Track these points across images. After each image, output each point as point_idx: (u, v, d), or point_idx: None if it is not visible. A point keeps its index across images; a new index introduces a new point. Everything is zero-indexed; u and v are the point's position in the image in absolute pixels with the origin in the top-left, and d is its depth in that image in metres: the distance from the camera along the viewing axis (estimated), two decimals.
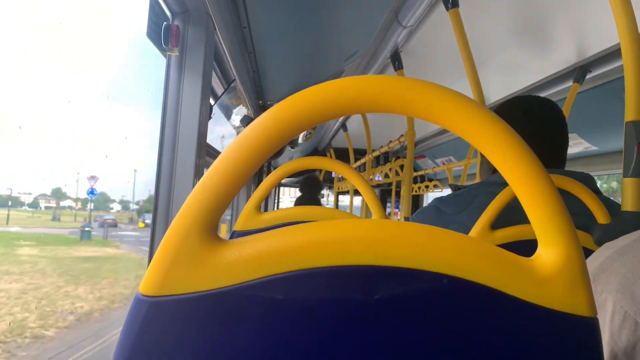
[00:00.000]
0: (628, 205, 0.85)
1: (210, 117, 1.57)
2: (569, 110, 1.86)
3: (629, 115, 0.85)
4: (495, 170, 1.15)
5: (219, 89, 2.13)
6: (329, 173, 6.01)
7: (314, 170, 5.11)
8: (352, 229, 0.31)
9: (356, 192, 4.76)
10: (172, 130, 1.34)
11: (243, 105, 2.49)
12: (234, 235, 1.02)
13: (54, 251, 2.44)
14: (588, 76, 1.87)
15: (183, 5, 1.33)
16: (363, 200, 5.11)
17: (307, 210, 1.04)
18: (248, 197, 2.03)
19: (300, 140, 3.99)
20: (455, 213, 1.08)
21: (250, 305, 0.29)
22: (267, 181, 1.01)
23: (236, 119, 2.81)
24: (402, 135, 2.96)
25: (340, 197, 6.88)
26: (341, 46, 2.11)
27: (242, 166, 0.30)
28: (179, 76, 1.35)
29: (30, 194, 2.13)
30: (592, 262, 0.55)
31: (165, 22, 1.30)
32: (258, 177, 3.84)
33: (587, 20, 1.59)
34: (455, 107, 0.30)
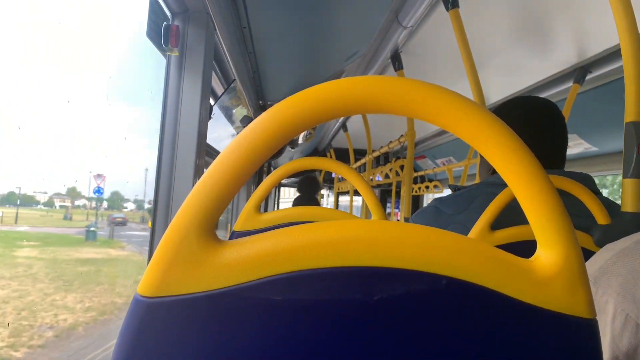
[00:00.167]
0: (628, 206, 0.84)
1: (210, 117, 1.57)
2: (569, 111, 1.86)
3: (629, 116, 0.85)
4: (494, 171, 1.15)
5: (219, 89, 2.13)
6: (329, 173, 6.01)
7: (314, 170, 5.11)
8: (351, 229, 0.31)
9: (356, 193, 4.76)
10: (172, 130, 1.34)
11: (243, 106, 2.49)
12: (234, 235, 1.02)
13: (54, 253, 2.30)
14: (588, 77, 1.87)
15: (183, 5, 1.33)
16: (363, 201, 5.10)
17: (307, 210, 1.04)
18: (248, 197, 2.03)
19: (300, 141, 3.99)
20: (455, 213, 1.08)
21: (250, 306, 0.29)
22: (267, 181, 1.01)
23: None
24: (402, 135, 2.96)
25: (341, 197, 6.88)
26: (341, 46, 2.11)
27: (241, 166, 0.30)
28: (179, 76, 1.35)
29: (45, 192, 2.12)
30: (592, 264, 0.54)
31: (165, 22, 1.30)
32: (258, 177, 3.84)
33: (587, 21, 1.59)
34: (454, 108, 0.30)
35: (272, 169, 5.26)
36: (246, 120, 2.71)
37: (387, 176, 4.14)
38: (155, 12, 1.24)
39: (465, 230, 0.98)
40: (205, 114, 1.45)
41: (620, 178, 0.89)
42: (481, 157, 1.30)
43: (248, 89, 2.39)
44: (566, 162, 1.10)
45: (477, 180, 1.22)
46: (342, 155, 5.24)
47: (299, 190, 4.11)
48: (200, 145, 1.37)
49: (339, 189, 5.91)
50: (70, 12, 1.12)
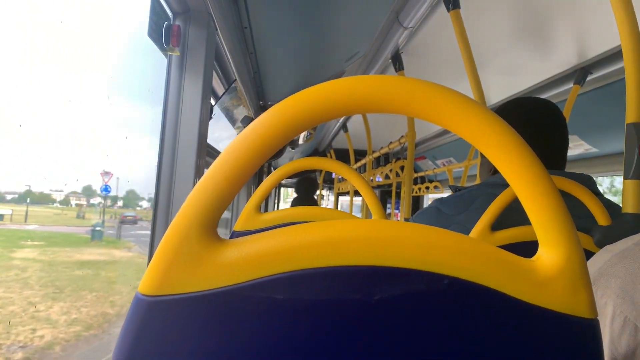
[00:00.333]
0: (629, 207, 0.84)
1: (210, 117, 1.57)
2: (569, 112, 1.86)
3: (630, 117, 0.85)
4: (495, 172, 1.15)
5: (219, 89, 2.13)
6: (329, 174, 6.01)
7: (314, 171, 5.11)
8: (352, 229, 0.31)
9: (356, 193, 4.76)
10: (172, 130, 1.34)
11: (243, 106, 2.48)
12: (234, 235, 1.02)
13: (55, 254, 2.17)
14: (589, 78, 1.87)
15: (184, 5, 1.33)
16: (363, 201, 5.10)
17: (307, 210, 1.04)
18: (248, 197, 2.03)
19: (300, 141, 3.99)
20: (456, 214, 1.08)
21: (250, 306, 0.29)
22: (267, 181, 1.01)
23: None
24: (402, 136, 2.96)
25: (341, 197, 6.88)
26: (342, 47, 2.11)
27: (242, 166, 0.30)
28: (180, 76, 1.35)
29: (61, 191, 2.11)
30: (591, 266, 0.54)
31: (166, 22, 1.30)
32: (258, 178, 3.84)
33: (588, 22, 1.59)
34: (456, 108, 0.30)
35: (272, 169, 5.26)
36: (246, 121, 2.71)
37: (387, 177, 4.14)
38: (156, 11, 1.24)
39: (465, 231, 0.98)
40: (206, 114, 1.45)
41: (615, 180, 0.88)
42: (482, 157, 1.30)
43: (249, 89, 2.39)
44: (567, 163, 1.10)
45: (477, 181, 1.22)
46: (342, 156, 5.24)
47: (296, 191, 4.10)
48: (200, 145, 1.37)
49: (339, 190, 5.91)
50: (71, 12, 1.12)
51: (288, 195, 9.41)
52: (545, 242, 0.31)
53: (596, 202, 0.88)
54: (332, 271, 0.30)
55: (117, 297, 2.17)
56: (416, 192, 4.85)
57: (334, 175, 5.95)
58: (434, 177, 5.11)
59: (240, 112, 2.51)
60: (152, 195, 1.34)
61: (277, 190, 7.52)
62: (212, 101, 1.65)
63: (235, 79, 2.01)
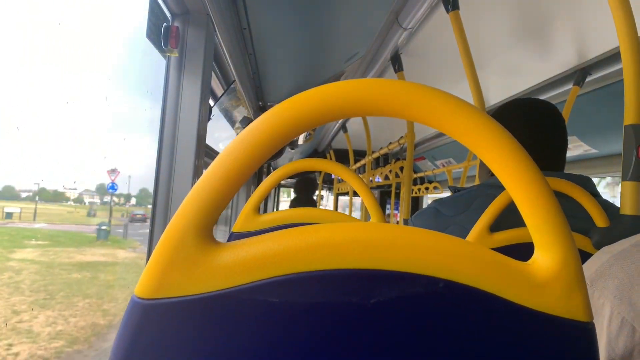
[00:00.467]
0: (627, 209, 0.84)
1: (209, 118, 1.57)
2: (569, 113, 1.86)
3: (629, 119, 0.85)
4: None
5: (218, 90, 2.13)
6: (328, 174, 6.00)
7: (314, 171, 5.11)
8: (348, 232, 0.31)
9: (356, 194, 4.76)
10: (171, 131, 1.34)
11: (243, 107, 2.48)
12: (232, 236, 1.02)
13: (57, 254, 2.07)
14: (588, 79, 1.87)
15: (183, 6, 1.33)
16: (362, 202, 5.10)
17: (306, 212, 1.03)
18: (248, 197, 2.03)
19: (300, 142, 3.99)
20: (455, 215, 1.08)
21: (246, 309, 0.29)
22: (266, 182, 1.01)
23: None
24: (401, 137, 2.96)
25: (340, 198, 6.88)
26: (341, 48, 2.11)
27: (240, 168, 0.30)
28: (179, 77, 1.35)
29: (75, 189, 2.10)
30: (589, 267, 0.54)
31: (165, 23, 1.29)
32: (257, 178, 3.84)
33: (587, 23, 1.60)
34: (452, 112, 0.30)
35: (271, 169, 5.26)
36: (246, 121, 2.71)
37: (386, 177, 4.13)
38: (155, 13, 1.24)
39: (464, 232, 0.98)
40: (205, 115, 1.45)
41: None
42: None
43: (248, 90, 2.39)
44: (566, 164, 1.10)
45: (476, 182, 1.22)
46: (341, 157, 5.24)
47: (295, 192, 4.10)
48: (199, 146, 1.37)
49: (338, 190, 5.90)
50: (70, 13, 1.12)
51: (289, 195, 9.40)
52: (541, 246, 0.31)
53: (594, 203, 0.88)
54: (328, 274, 0.30)
55: (111, 305, 2.04)
56: (415, 193, 4.85)
57: (333, 176, 5.95)
58: (434, 178, 5.11)
59: (240, 113, 2.51)
60: None
61: (277, 191, 7.52)
62: (211, 102, 1.65)
63: (235, 80, 2.01)
